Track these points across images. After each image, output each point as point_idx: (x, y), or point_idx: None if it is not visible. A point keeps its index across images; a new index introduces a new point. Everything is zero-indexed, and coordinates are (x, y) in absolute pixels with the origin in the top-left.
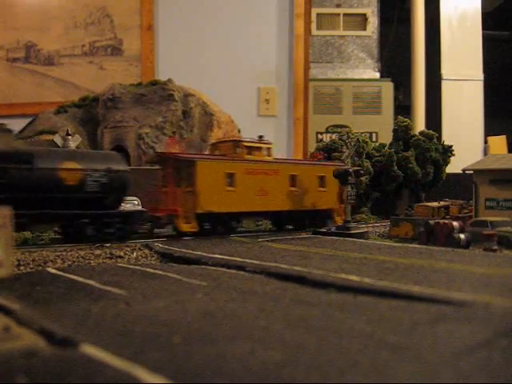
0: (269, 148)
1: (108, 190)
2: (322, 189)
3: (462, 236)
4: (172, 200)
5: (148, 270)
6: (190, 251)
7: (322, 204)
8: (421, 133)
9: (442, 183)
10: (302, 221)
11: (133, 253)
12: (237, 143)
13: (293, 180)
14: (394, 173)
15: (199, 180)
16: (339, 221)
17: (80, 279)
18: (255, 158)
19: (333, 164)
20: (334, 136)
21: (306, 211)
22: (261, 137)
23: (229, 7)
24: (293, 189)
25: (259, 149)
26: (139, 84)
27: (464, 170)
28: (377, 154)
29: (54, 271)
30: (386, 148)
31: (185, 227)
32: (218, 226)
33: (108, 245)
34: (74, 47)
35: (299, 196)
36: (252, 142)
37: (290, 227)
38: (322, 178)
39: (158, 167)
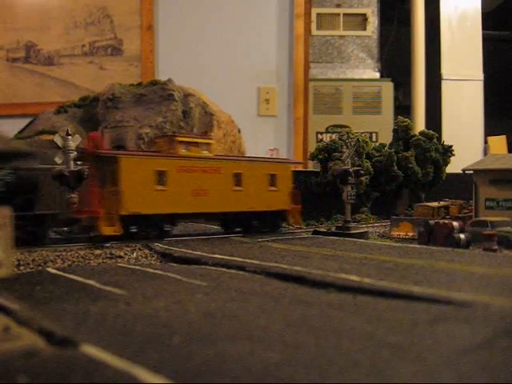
0: (208, 144)
1: (14, 190)
2: (272, 188)
3: (462, 236)
4: (94, 201)
5: (148, 269)
6: (190, 251)
7: (272, 205)
8: (421, 133)
9: (442, 183)
10: (249, 223)
11: (133, 253)
12: (171, 138)
13: (237, 179)
14: (394, 173)
15: (123, 178)
16: (294, 222)
17: (80, 279)
18: (191, 155)
19: (284, 161)
20: (334, 136)
21: (254, 213)
22: (205, 133)
23: (229, 7)
24: (237, 188)
25: (197, 144)
26: (139, 84)
27: (464, 170)
28: (377, 154)
29: (54, 271)
30: (386, 148)
31: (107, 230)
32: (148, 229)
33: (108, 245)
34: (73, 47)
35: (245, 196)
36: (189, 136)
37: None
38: (272, 177)
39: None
